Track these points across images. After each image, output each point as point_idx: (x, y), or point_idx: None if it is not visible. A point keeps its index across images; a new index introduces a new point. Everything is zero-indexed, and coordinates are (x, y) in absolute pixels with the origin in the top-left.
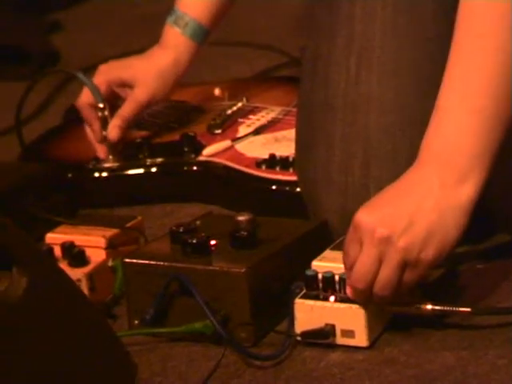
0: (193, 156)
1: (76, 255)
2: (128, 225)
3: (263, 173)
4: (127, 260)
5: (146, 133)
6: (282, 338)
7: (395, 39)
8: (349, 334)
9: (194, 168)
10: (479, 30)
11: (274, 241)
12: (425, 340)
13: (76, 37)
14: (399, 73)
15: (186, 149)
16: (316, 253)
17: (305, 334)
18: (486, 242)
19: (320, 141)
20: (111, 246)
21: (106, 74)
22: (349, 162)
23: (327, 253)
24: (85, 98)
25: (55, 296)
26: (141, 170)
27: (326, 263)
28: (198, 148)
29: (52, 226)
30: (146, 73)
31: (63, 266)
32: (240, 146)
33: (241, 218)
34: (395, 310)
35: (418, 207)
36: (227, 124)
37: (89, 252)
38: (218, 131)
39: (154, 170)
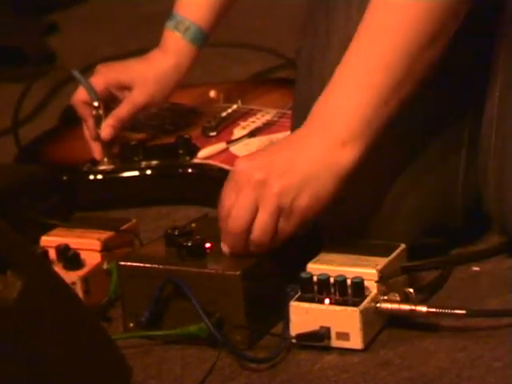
0: (188, 158)
1: (71, 258)
2: (123, 227)
3: None
4: (122, 263)
5: (140, 135)
6: (277, 341)
7: None
8: (344, 336)
9: (189, 170)
10: (388, 13)
11: None
12: (420, 342)
13: (73, 38)
14: None
15: (180, 151)
16: (311, 255)
17: (300, 337)
18: (481, 244)
19: None
20: (106, 248)
21: (105, 75)
22: None
23: (322, 255)
24: (79, 95)
25: (50, 299)
26: (136, 173)
27: (321, 265)
28: (193, 150)
29: (47, 229)
30: (145, 76)
31: (58, 268)
32: (235, 149)
33: None
34: (390, 312)
35: (296, 158)
36: (222, 126)
37: (84, 255)
38: (213, 133)
39: (148, 172)
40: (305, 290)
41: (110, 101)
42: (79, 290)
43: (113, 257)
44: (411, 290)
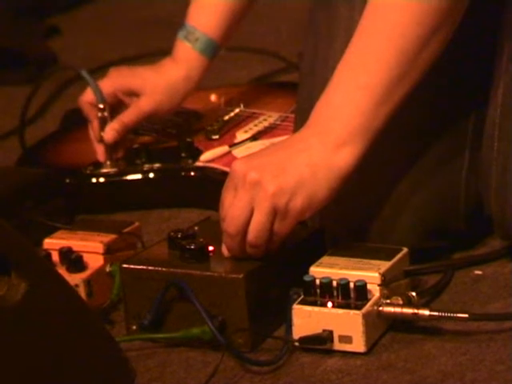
0: (190, 162)
1: (74, 261)
2: (126, 230)
3: None
4: (125, 265)
5: (143, 138)
6: (279, 344)
7: None
8: (346, 339)
9: (192, 174)
10: (386, 14)
11: None
12: (422, 346)
13: (74, 41)
14: None
15: (183, 154)
16: (314, 258)
17: (302, 340)
18: (483, 248)
19: None
20: (109, 251)
21: (115, 79)
22: None
23: (325, 258)
24: (86, 96)
25: (54, 301)
26: (138, 176)
27: (324, 269)
28: (196, 154)
29: (50, 232)
30: (155, 84)
31: (61, 271)
32: (237, 152)
33: None
34: (393, 315)
35: (292, 159)
36: (225, 130)
37: (86, 257)
38: (216, 137)
39: (151, 175)
40: (308, 293)
41: (116, 105)
42: (82, 292)
43: (115, 259)
44: (414, 294)
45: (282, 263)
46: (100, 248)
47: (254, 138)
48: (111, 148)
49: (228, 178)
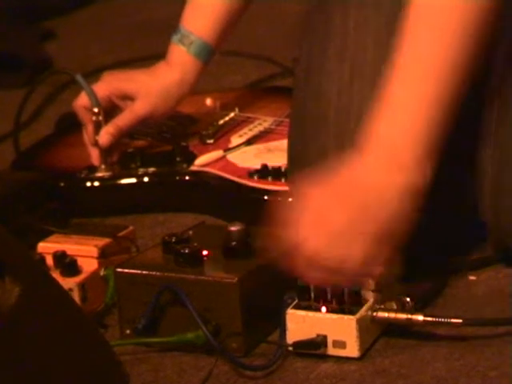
0: (185, 166)
1: (68, 265)
2: (120, 234)
3: (255, 183)
4: (119, 269)
5: (138, 142)
6: (273, 349)
7: (388, 50)
8: (340, 344)
9: (187, 178)
10: (434, 23)
11: (266, 251)
12: (416, 351)
13: (69, 45)
14: None
15: (178, 159)
16: None
17: (296, 345)
18: (477, 253)
19: (312, 152)
20: (103, 255)
21: (109, 83)
22: None
23: None
24: (81, 100)
25: (48, 305)
26: (133, 180)
27: None
28: (191, 158)
29: (44, 236)
30: (149, 88)
31: (55, 275)
32: (232, 156)
33: (233, 228)
34: (387, 320)
35: (379, 200)
36: (219, 134)
37: (81, 261)
38: (211, 141)
39: (146, 179)
40: (302, 297)
41: (111, 109)
42: (76, 296)
43: (110, 263)
44: (408, 299)
45: (277, 267)
46: (94, 252)
47: (249, 142)
48: (106, 152)
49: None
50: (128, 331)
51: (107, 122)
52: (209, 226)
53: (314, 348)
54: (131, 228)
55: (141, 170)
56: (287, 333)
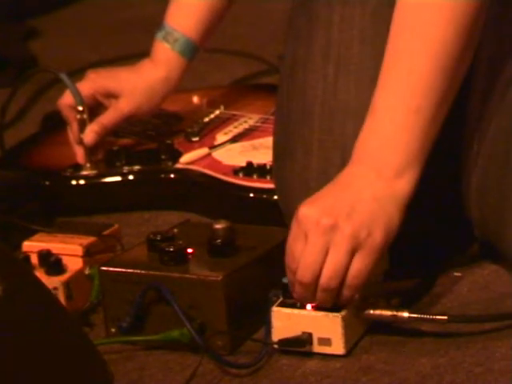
0: (170, 164)
1: (53, 263)
2: (105, 233)
3: (240, 180)
4: (104, 268)
5: (123, 140)
6: (258, 346)
7: (373, 47)
8: (326, 342)
9: (172, 176)
10: (420, 31)
11: (252, 249)
12: (401, 348)
13: (54, 43)
14: (377, 81)
15: (163, 156)
16: None
17: (282, 342)
18: (463, 250)
19: (297, 148)
20: (88, 254)
21: (93, 81)
22: (326, 170)
23: None
24: (66, 99)
25: (31, 304)
26: (118, 178)
27: None
28: (176, 156)
29: (29, 234)
30: (133, 86)
31: (40, 274)
32: (217, 154)
33: (218, 226)
34: (372, 317)
35: (358, 197)
36: (205, 132)
37: (66, 260)
38: (196, 139)
39: (131, 177)
40: (287, 295)
41: (95, 107)
42: (61, 295)
43: (95, 262)
44: (393, 296)
45: (262, 265)
46: (79, 250)
47: (234, 139)
48: (91, 150)
49: (295, 225)
50: (113, 330)
51: (92, 120)
52: (194, 223)
53: (299, 346)
54: (116, 226)
55: (126, 168)
56: (273, 330)
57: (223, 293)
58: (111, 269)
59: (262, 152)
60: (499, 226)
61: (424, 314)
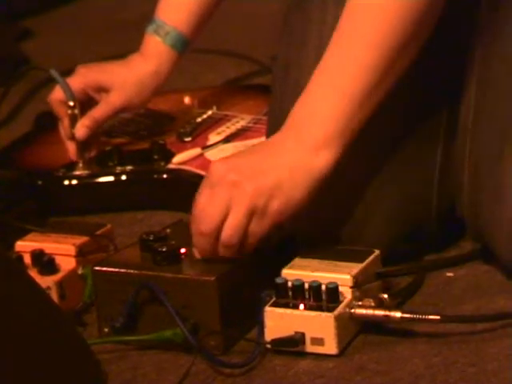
0: (162, 164)
1: (46, 263)
2: (98, 232)
3: None
4: (97, 268)
5: (116, 140)
6: (251, 346)
7: None
8: (318, 341)
9: (164, 176)
10: (363, 16)
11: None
12: (394, 348)
13: (46, 43)
14: None
15: (155, 157)
16: (286, 260)
17: (275, 342)
18: (455, 250)
19: None
20: (81, 253)
21: (83, 75)
22: None
23: (297, 260)
24: (56, 94)
25: (24, 304)
26: (111, 178)
27: (296, 271)
28: (168, 156)
29: (22, 234)
30: (124, 79)
31: (33, 273)
32: (210, 154)
33: None
34: (365, 317)
35: (271, 161)
36: (197, 132)
37: (59, 260)
38: (188, 139)
39: (123, 177)
40: (280, 295)
41: (86, 102)
42: (54, 294)
43: (88, 262)
44: (385, 296)
45: (255, 265)
46: (72, 250)
47: (227, 140)
48: (83, 146)
49: (205, 178)
50: (106, 329)
51: (83, 114)
52: (187, 223)
53: (292, 345)
54: (109, 226)
55: (118, 169)
56: (265, 330)
57: (216, 293)
58: (104, 269)
59: None
60: (491, 225)
61: (417, 314)
